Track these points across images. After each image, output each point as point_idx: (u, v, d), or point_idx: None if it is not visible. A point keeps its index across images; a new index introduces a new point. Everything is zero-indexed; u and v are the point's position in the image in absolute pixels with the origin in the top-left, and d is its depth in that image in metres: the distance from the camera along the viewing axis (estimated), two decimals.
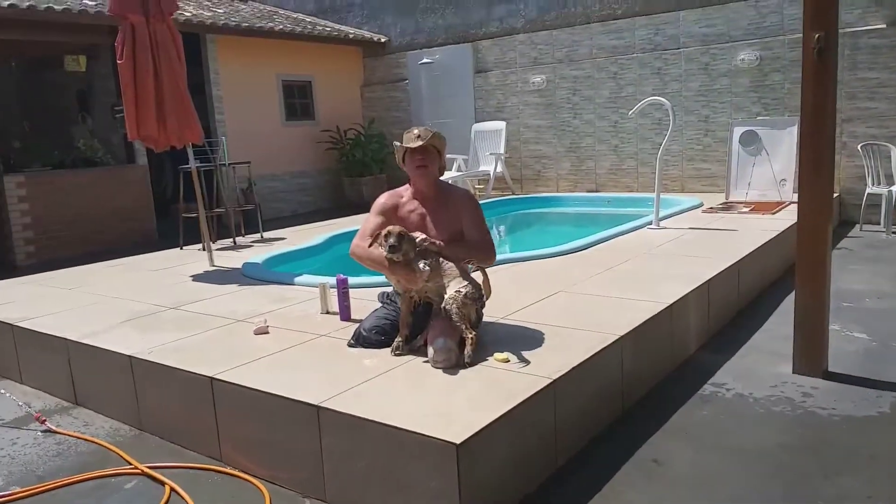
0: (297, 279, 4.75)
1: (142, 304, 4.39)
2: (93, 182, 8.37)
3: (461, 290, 2.98)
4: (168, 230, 8.98)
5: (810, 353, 3.51)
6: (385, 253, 3.00)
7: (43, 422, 3.46)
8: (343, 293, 3.72)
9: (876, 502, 2.40)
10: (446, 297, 2.98)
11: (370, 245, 3.05)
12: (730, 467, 2.70)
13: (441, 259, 3.08)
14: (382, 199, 3.41)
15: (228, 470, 2.91)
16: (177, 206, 10.59)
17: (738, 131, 7.98)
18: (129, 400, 3.41)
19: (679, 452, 2.83)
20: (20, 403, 3.67)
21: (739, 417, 3.13)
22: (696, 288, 4.00)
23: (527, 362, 2.89)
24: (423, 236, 3.12)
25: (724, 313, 4.39)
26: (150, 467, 2.95)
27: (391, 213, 3.33)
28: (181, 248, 6.78)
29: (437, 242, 3.11)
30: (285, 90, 10.87)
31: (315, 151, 11.28)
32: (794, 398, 3.27)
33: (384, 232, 3.01)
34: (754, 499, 2.48)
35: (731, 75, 8.58)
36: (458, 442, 2.22)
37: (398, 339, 3.12)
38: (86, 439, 3.31)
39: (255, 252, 6.34)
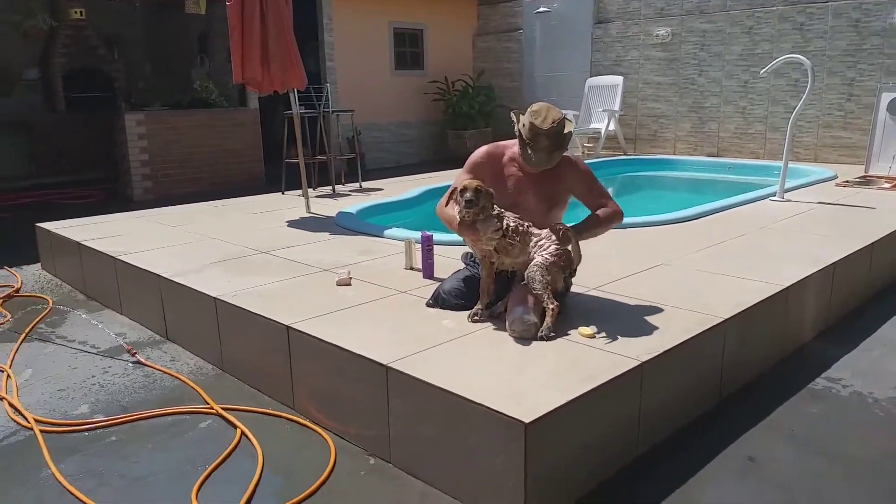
0: (386, 232, 4.67)
1: (236, 247, 4.46)
2: (206, 123, 8.64)
3: (548, 256, 2.75)
4: (277, 174, 9.19)
5: None
6: (460, 210, 2.77)
7: (134, 354, 3.59)
8: (427, 250, 3.58)
9: None
10: (531, 263, 2.76)
11: (447, 203, 2.84)
12: (835, 477, 2.38)
13: (527, 229, 2.83)
14: (479, 155, 3.09)
15: (299, 419, 2.88)
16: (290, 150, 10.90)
17: (887, 97, 7.11)
18: (213, 340, 3.46)
19: (778, 452, 2.52)
20: (114, 335, 3.82)
21: (854, 420, 2.76)
22: (820, 270, 3.57)
23: (614, 339, 2.65)
24: (561, 231, 2.83)
25: (850, 300, 3.92)
26: (224, 408, 2.98)
27: (486, 169, 3.04)
28: (283, 193, 6.89)
29: (570, 234, 2.83)
30: (396, 38, 10.74)
31: (422, 102, 11.16)
32: None
33: (459, 187, 2.76)
34: None
35: (885, 35, 7.62)
36: (527, 421, 2.04)
37: (478, 305, 2.95)
38: (171, 374, 3.39)
39: (353, 201, 6.32)
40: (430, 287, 3.35)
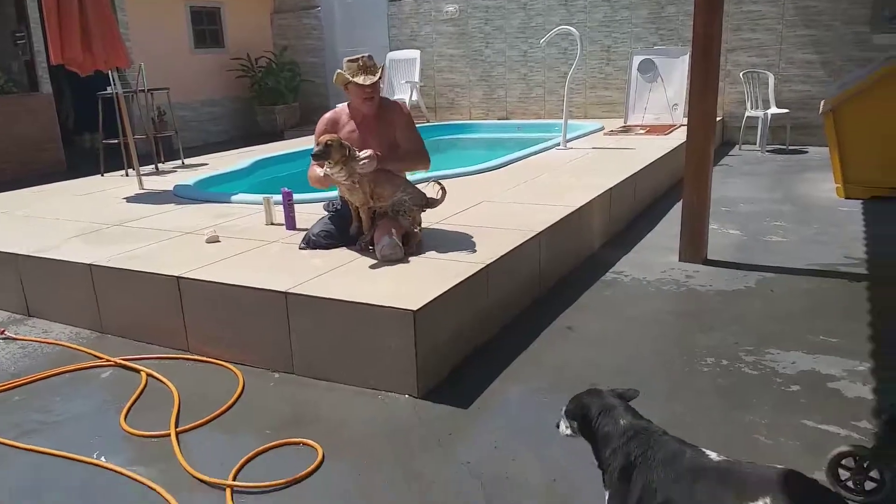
0: (233, 197, 4.98)
1: (83, 223, 4.52)
2: None
3: (405, 197, 3.39)
4: (73, 160, 8.75)
5: (693, 244, 4.16)
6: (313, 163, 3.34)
7: (1, 332, 3.63)
8: (289, 205, 4.02)
9: (741, 346, 3.04)
10: (392, 200, 3.38)
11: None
12: (629, 330, 3.30)
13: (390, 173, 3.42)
14: (323, 123, 3.60)
15: (199, 357, 3.23)
16: (82, 135, 10.33)
17: (636, 60, 8.59)
18: (89, 306, 3.62)
19: (588, 321, 3.41)
20: None
21: (636, 295, 3.74)
22: (600, 195, 4.57)
23: (463, 252, 3.35)
24: (368, 153, 3.34)
25: (623, 217, 5.02)
26: (123, 359, 3.23)
27: (332, 132, 3.60)
28: (102, 175, 6.75)
29: (376, 154, 3.37)
30: (194, 17, 10.58)
31: (225, 80, 11.12)
32: (679, 279, 3.92)
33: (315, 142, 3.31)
34: (649, 349, 3.09)
35: (632, 7, 9.12)
36: (414, 309, 2.66)
37: (362, 237, 3.49)
38: (50, 342, 3.51)
39: (180, 177, 6.41)
40: (296, 236, 3.82)
